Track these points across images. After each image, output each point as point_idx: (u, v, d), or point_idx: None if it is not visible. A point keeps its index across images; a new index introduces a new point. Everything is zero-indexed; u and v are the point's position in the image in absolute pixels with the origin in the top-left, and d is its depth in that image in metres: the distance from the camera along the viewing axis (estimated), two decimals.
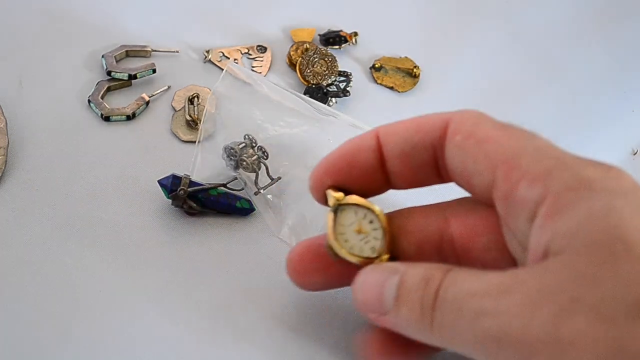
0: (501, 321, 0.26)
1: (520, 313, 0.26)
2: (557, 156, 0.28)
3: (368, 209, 0.34)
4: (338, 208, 0.34)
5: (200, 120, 0.46)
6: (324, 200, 0.35)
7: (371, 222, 0.34)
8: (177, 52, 0.52)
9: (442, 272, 0.29)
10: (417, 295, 0.29)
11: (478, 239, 0.32)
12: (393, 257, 0.34)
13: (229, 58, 0.52)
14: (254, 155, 0.43)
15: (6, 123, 0.45)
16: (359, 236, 0.34)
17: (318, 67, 0.51)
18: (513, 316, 0.26)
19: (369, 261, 0.33)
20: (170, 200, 0.42)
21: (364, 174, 0.34)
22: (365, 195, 0.35)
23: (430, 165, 0.32)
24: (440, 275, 0.29)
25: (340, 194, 0.34)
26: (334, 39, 0.53)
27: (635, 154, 0.48)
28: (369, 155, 0.33)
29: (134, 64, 0.50)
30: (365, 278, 0.32)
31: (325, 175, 0.34)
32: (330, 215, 0.34)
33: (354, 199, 0.34)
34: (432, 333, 0.29)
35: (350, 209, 0.34)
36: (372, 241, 0.34)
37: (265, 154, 0.43)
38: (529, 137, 0.29)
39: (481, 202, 0.32)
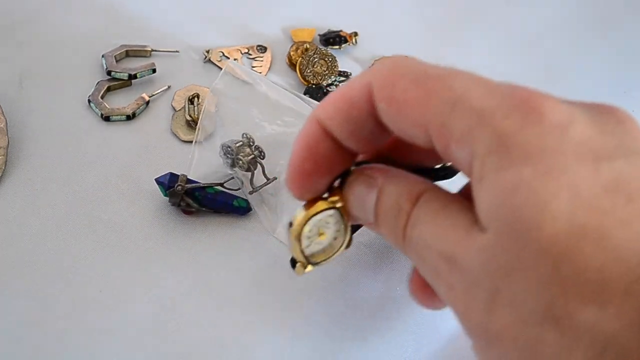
0: (452, 293, 0.27)
1: (463, 291, 0.26)
2: (477, 107, 0.26)
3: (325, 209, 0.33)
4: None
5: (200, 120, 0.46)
6: (308, 194, 0.33)
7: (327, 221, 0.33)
8: (177, 52, 0.52)
9: (411, 203, 0.28)
10: (389, 224, 0.29)
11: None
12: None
13: (229, 58, 0.52)
14: (250, 155, 0.43)
15: (6, 123, 0.45)
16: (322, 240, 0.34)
17: (318, 67, 0.51)
18: (459, 293, 0.26)
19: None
20: (168, 199, 0.43)
21: (329, 158, 0.31)
22: (339, 171, 0.33)
23: (380, 127, 0.30)
24: (408, 207, 0.28)
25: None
26: (334, 39, 0.53)
27: None
28: (324, 145, 0.31)
29: (134, 64, 0.50)
30: (352, 190, 0.32)
31: (300, 186, 0.32)
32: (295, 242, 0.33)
33: (308, 212, 0.33)
34: (406, 250, 0.29)
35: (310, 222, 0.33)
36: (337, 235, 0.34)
37: (262, 153, 0.43)
38: (447, 89, 0.26)
39: None
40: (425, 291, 0.33)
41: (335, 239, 0.34)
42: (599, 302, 0.23)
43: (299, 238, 0.33)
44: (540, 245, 0.24)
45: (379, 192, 0.30)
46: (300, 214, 0.33)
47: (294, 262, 0.34)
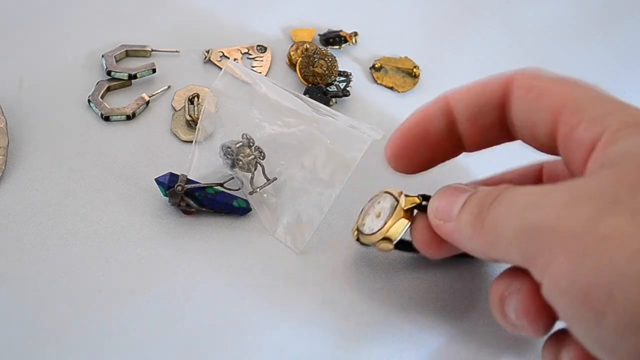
0: (543, 213, 0.27)
1: (562, 207, 0.27)
2: (615, 101, 0.30)
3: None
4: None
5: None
6: (401, 168, 0.38)
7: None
8: (177, 52, 0.52)
9: (505, 187, 0.31)
10: (479, 201, 0.31)
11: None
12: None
13: (229, 58, 0.52)
14: (250, 155, 0.43)
15: (6, 123, 0.45)
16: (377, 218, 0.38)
17: (318, 67, 0.51)
18: (555, 210, 0.27)
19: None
20: (168, 199, 0.43)
21: (436, 139, 0.36)
22: (438, 160, 0.37)
23: (498, 124, 0.34)
24: (502, 188, 0.31)
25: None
26: (334, 39, 0.53)
27: None
28: (439, 121, 0.35)
29: (134, 64, 0.50)
30: (445, 191, 0.35)
31: (400, 144, 0.36)
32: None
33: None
34: (480, 233, 0.31)
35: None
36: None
37: (262, 154, 0.43)
38: (587, 87, 0.31)
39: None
40: (431, 239, 0.36)
41: (381, 226, 0.37)
42: None
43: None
44: None
45: (474, 192, 0.33)
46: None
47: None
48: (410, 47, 0.54)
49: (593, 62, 0.55)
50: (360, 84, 0.52)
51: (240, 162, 0.43)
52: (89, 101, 0.48)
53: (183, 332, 0.39)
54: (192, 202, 0.42)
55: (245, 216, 0.44)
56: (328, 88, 0.50)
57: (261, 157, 0.43)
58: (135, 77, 0.49)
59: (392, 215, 0.37)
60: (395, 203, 0.38)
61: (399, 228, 0.37)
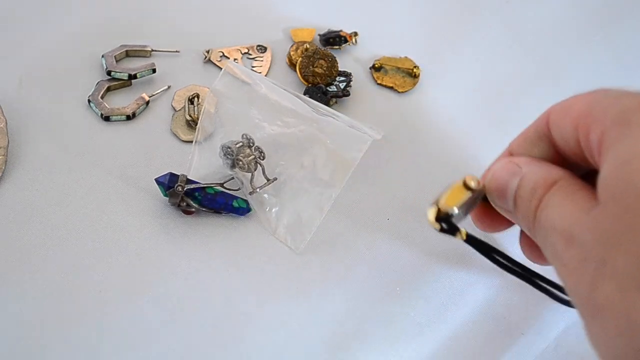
0: (564, 270, 0.28)
1: (574, 267, 0.27)
2: (616, 95, 0.29)
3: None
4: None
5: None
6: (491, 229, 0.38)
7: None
8: (177, 52, 0.52)
9: (545, 188, 0.31)
10: (525, 207, 0.31)
11: None
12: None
13: (229, 58, 0.52)
14: (250, 155, 0.43)
15: (6, 123, 0.45)
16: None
17: (318, 67, 0.51)
18: (571, 269, 0.27)
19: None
20: (168, 199, 0.43)
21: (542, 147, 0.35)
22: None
23: (554, 156, 0.34)
24: (541, 192, 0.31)
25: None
26: (334, 39, 0.53)
27: None
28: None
29: (134, 64, 0.50)
30: (494, 174, 0.34)
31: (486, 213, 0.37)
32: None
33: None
34: (534, 236, 0.31)
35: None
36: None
37: (262, 154, 0.43)
38: (602, 91, 0.30)
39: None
40: (532, 250, 0.37)
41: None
42: None
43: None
44: None
45: (521, 179, 0.32)
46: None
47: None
48: (410, 47, 0.54)
49: (593, 62, 0.55)
50: (360, 84, 0.52)
51: (240, 162, 0.43)
52: (89, 101, 0.48)
53: (183, 332, 0.39)
54: (192, 202, 0.42)
55: (245, 216, 0.44)
56: (328, 88, 0.50)
57: (261, 157, 0.43)
58: (135, 77, 0.49)
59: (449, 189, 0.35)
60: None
61: (454, 199, 0.35)
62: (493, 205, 0.35)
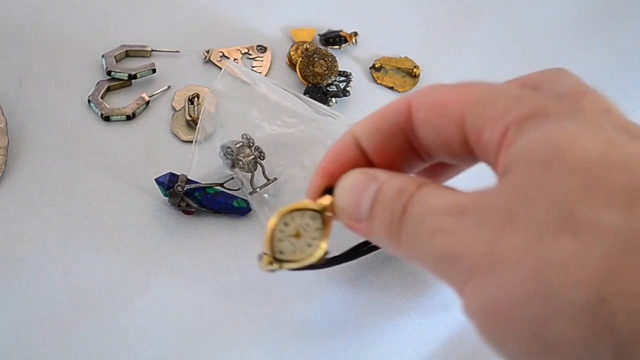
0: (453, 239, 0.27)
1: (468, 232, 0.26)
2: (517, 95, 0.28)
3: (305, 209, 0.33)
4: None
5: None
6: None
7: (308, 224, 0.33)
8: (177, 52, 0.52)
9: (416, 185, 0.29)
10: (389, 208, 0.29)
11: None
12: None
13: (229, 58, 0.52)
14: (250, 155, 0.43)
15: (6, 123, 0.45)
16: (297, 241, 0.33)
17: (318, 67, 0.51)
18: (463, 235, 0.26)
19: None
20: (168, 199, 0.43)
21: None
22: None
23: (407, 148, 0.32)
24: (413, 188, 0.29)
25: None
26: (334, 39, 0.53)
27: None
28: (353, 154, 0.33)
29: (134, 64, 0.50)
30: (346, 183, 0.32)
31: (318, 182, 0.34)
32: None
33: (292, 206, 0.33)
34: (399, 247, 0.29)
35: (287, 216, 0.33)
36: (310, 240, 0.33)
37: (262, 154, 0.43)
38: (488, 85, 0.29)
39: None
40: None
41: (309, 245, 0.33)
42: (626, 204, 0.24)
43: (272, 230, 0.32)
44: (571, 164, 0.25)
45: (382, 184, 0.30)
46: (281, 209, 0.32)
47: (261, 255, 0.33)
48: (410, 47, 0.54)
49: (593, 62, 0.55)
50: (360, 84, 0.52)
51: (240, 162, 0.43)
52: (89, 101, 0.48)
53: (182, 332, 0.39)
54: (192, 202, 0.42)
55: (245, 216, 0.44)
56: (328, 88, 0.50)
57: (261, 157, 0.43)
58: (135, 77, 0.49)
59: (325, 228, 0.33)
60: (319, 215, 0.33)
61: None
62: (337, 219, 0.32)
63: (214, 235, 0.43)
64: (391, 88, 0.52)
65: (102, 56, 0.50)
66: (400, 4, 0.58)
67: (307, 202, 0.33)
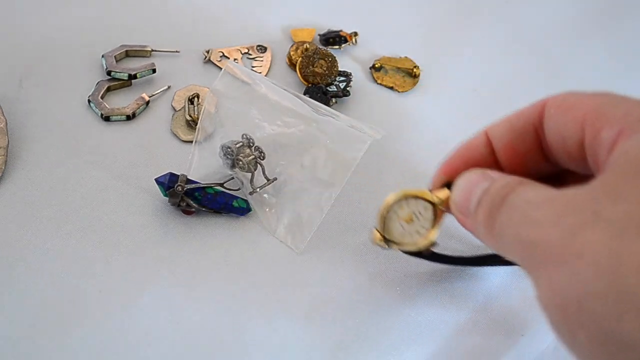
0: (536, 228, 0.28)
1: (550, 222, 0.27)
2: (629, 100, 0.30)
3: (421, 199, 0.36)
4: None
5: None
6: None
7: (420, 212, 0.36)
8: (177, 52, 0.52)
9: (519, 181, 0.31)
10: (492, 198, 0.31)
11: None
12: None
13: (229, 58, 0.52)
14: (250, 155, 0.43)
15: (6, 123, 0.45)
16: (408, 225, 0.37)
17: (318, 67, 0.51)
18: (545, 224, 0.27)
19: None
20: (168, 199, 0.43)
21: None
22: None
23: (535, 148, 0.34)
24: (516, 183, 0.31)
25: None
26: (334, 39, 0.53)
27: None
28: (479, 152, 0.36)
29: (134, 64, 0.50)
30: (464, 179, 0.34)
31: (443, 175, 0.37)
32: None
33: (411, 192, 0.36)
34: (492, 233, 0.31)
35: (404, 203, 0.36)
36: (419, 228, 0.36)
37: (262, 154, 0.43)
38: (614, 95, 0.31)
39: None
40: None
41: (418, 233, 0.36)
42: None
43: (387, 208, 0.36)
44: None
45: (493, 181, 0.32)
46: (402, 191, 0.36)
47: (373, 230, 0.37)
48: (410, 47, 0.54)
49: (593, 62, 0.55)
50: (360, 84, 0.52)
51: (240, 162, 0.43)
52: (89, 101, 0.48)
53: (183, 332, 0.39)
54: (192, 202, 0.42)
55: (245, 216, 0.44)
56: (328, 88, 0.50)
57: (261, 157, 0.43)
58: (135, 77, 0.49)
59: (436, 221, 0.36)
60: (431, 206, 0.36)
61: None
62: (451, 212, 0.35)
63: (214, 235, 0.43)
64: (391, 88, 0.52)
65: (102, 56, 0.50)
66: (400, 4, 0.58)
67: (425, 192, 0.36)
